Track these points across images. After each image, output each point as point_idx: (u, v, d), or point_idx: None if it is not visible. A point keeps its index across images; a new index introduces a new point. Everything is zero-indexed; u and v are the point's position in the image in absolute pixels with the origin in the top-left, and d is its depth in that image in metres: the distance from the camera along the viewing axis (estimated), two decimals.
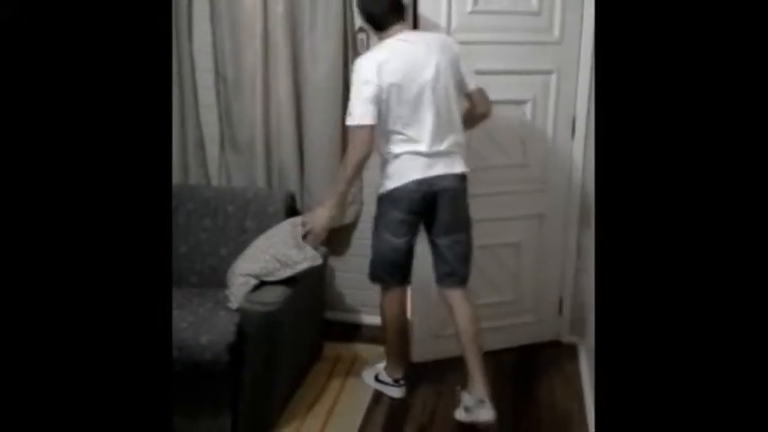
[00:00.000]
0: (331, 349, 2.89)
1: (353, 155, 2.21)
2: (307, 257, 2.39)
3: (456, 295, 2.37)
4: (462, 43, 2.37)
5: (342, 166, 2.35)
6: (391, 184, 2.26)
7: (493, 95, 2.40)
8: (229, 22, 2.82)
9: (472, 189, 2.39)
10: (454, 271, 2.36)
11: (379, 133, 2.23)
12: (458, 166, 2.29)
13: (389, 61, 2.16)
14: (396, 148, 2.24)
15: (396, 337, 2.53)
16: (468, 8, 2.51)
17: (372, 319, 3.13)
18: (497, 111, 2.45)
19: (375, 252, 2.42)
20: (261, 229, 2.56)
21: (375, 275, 2.46)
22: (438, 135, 2.23)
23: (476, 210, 2.42)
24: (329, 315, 3.08)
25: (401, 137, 2.23)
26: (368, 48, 2.82)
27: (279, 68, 2.82)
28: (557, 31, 2.57)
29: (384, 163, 2.31)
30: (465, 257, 2.37)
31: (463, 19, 2.52)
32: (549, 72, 2.61)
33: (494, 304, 2.79)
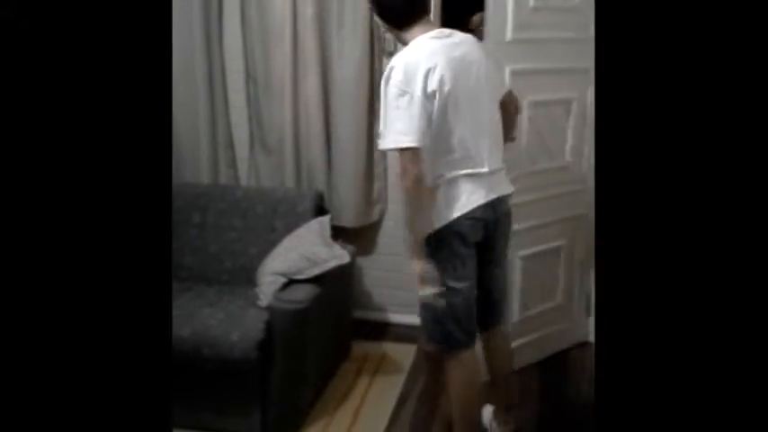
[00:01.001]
0: (359, 348, 2.90)
1: (408, 182, 1.75)
2: (335, 256, 2.41)
3: (498, 334, 2.09)
4: (517, 42, 2.33)
5: (407, 213, 1.85)
6: (451, 213, 1.82)
7: (545, 95, 2.36)
8: (259, 25, 2.86)
9: (522, 197, 2.29)
10: (501, 307, 2.07)
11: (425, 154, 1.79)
12: (509, 185, 1.96)
13: (432, 64, 1.75)
14: (450, 170, 1.82)
15: (474, 413, 2.03)
16: (531, 3, 2.38)
17: (400, 317, 3.14)
18: (545, 111, 2.42)
19: (437, 308, 1.87)
20: (290, 229, 2.58)
21: (443, 338, 1.91)
22: (494, 150, 1.89)
23: (525, 217, 2.40)
24: (357, 314, 3.10)
25: (456, 155, 1.81)
26: (395, 48, 2.84)
27: (308, 70, 2.84)
28: None
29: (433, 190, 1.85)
30: (505, 290, 2.11)
31: (523, 16, 2.37)
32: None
33: (546, 311, 2.76)
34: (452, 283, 1.85)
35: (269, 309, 2.23)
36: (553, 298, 2.78)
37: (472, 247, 1.87)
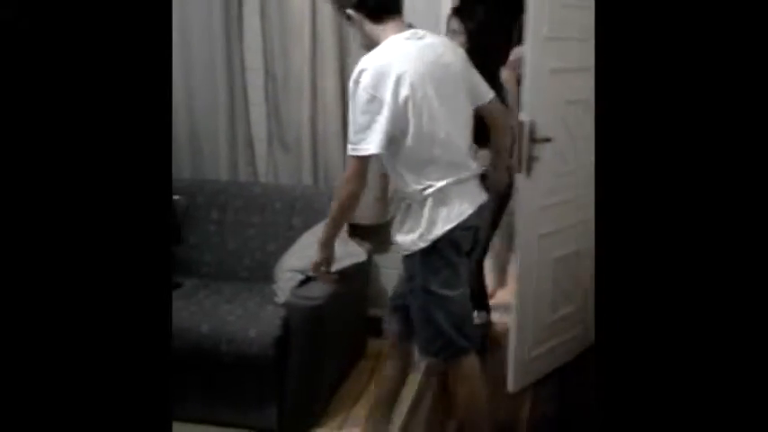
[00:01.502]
0: (375, 346, 2.90)
1: (346, 191, 1.76)
2: (351, 253, 2.42)
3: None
4: (553, 39, 2.30)
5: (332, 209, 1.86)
6: (446, 224, 1.77)
7: (577, 95, 2.34)
8: (279, 22, 2.87)
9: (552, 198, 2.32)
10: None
11: (401, 166, 1.78)
12: (483, 191, 1.92)
13: (405, 68, 1.68)
14: (438, 179, 1.76)
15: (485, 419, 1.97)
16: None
17: None
18: (575, 110, 2.40)
19: (437, 318, 1.82)
20: (307, 226, 2.60)
21: (447, 346, 1.86)
22: (471, 152, 1.87)
23: (557, 218, 2.40)
24: (373, 312, 3.10)
25: (441, 162, 1.77)
26: None
27: (326, 67, 2.85)
28: None
29: (420, 203, 1.79)
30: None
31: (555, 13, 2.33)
32: None
33: (568, 315, 2.76)
34: (448, 292, 1.81)
35: (286, 305, 2.24)
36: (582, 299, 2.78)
37: (464, 255, 1.85)
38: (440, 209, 1.77)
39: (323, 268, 1.94)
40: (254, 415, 2.25)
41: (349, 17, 1.79)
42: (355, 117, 1.70)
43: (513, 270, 2.75)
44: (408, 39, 1.75)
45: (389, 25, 1.76)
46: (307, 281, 2.31)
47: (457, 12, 2.61)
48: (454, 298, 1.82)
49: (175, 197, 2.71)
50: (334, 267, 2.32)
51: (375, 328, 3.01)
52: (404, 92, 1.67)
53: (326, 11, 2.78)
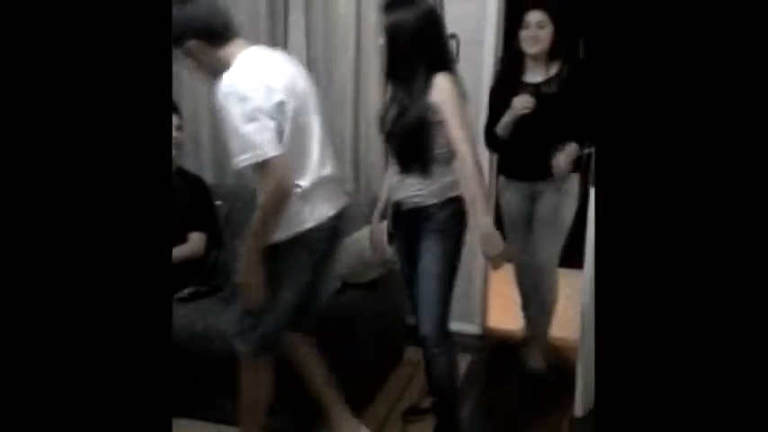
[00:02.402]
0: (412, 353, 2.89)
1: (274, 197, 1.75)
2: (389, 261, 2.42)
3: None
4: None
5: (256, 220, 1.81)
6: (303, 224, 1.84)
7: None
8: (323, 32, 2.91)
9: None
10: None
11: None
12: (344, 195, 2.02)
13: (273, 75, 1.78)
14: (303, 180, 1.83)
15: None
16: None
17: (454, 325, 3.10)
18: None
19: (276, 313, 1.89)
20: (347, 233, 2.61)
21: (272, 341, 1.96)
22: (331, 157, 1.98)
23: None
24: (411, 320, 3.09)
25: (308, 165, 1.86)
26: (458, 55, 2.83)
27: (370, 76, 2.88)
28: None
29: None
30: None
31: None
32: None
33: None
34: (287, 293, 1.87)
35: (324, 312, 2.25)
36: None
37: (317, 258, 1.90)
38: (299, 208, 1.83)
39: (253, 297, 1.83)
40: (289, 420, 2.26)
41: (188, 50, 1.79)
42: (238, 130, 1.70)
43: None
44: (262, 52, 1.87)
45: (237, 44, 1.83)
46: (344, 288, 2.33)
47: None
48: (291, 299, 1.89)
49: (217, 203, 2.76)
50: (372, 275, 2.34)
51: (412, 335, 3.01)
52: (278, 96, 1.74)
53: (371, 20, 2.81)
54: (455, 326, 3.07)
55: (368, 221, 2.65)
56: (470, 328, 3.11)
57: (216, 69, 1.79)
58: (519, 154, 2.52)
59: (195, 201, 2.63)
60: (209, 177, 3.00)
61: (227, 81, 1.72)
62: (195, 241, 2.58)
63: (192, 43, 1.78)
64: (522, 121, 2.37)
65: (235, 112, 1.69)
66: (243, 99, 1.69)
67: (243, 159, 1.71)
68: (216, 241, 2.69)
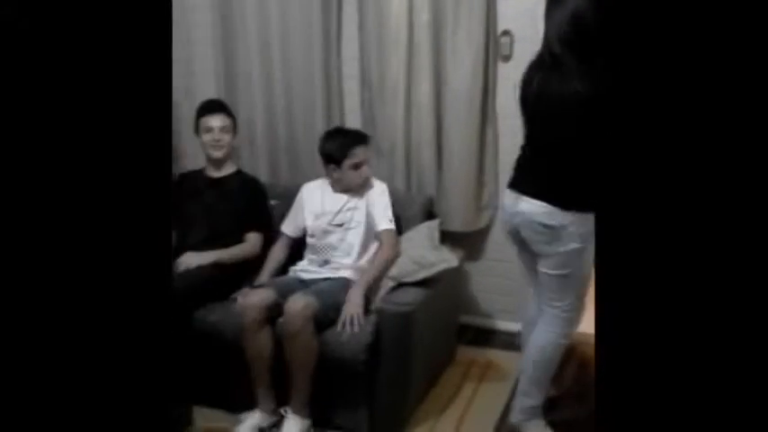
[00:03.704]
0: (465, 353, 2.89)
1: (392, 256, 2.41)
2: (443, 260, 2.42)
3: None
4: None
5: (380, 265, 2.40)
6: None
7: None
8: (376, 30, 2.92)
9: None
10: None
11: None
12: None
13: None
14: None
15: None
16: None
17: (507, 324, 3.09)
18: None
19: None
20: (400, 232, 2.62)
21: None
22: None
23: None
24: (464, 319, 3.09)
25: None
26: (511, 52, 2.80)
27: (421, 75, 2.87)
28: None
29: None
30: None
31: None
32: None
33: None
34: None
35: (378, 312, 2.28)
36: None
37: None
38: None
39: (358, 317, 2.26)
40: (346, 417, 2.30)
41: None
42: (387, 209, 2.52)
43: None
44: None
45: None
46: (398, 287, 2.34)
47: None
48: None
49: (273, 202, 2.82)
50: (425, 274, 2.35)
51: (465, 335, 3.00)
52: None
53: (423, 19, 2.80)
54: (509, 326, 3.08)
55: (419, 221, 2.67)
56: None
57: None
58: None
59: (251, 201, 2.69)
60: (264, 178, 3.07)
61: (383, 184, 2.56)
62: (252, 241, 2.64)
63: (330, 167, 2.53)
64: None
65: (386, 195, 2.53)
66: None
67: (386, 226, 2.48)
68: (272, 241, 2.75)
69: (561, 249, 2.02)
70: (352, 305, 2.25)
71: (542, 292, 2.19)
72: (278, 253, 2.62)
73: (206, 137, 2.65)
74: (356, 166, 2.48)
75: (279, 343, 2.21)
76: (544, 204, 2.00)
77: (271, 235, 2.73)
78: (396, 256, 2.41)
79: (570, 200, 1.98)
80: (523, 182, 2.10)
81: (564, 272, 2.07)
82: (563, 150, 1.99)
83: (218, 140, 2.65)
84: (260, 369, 2.25)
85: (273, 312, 2.23)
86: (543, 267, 2.11)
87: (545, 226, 2.01)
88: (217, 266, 2.50)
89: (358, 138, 2.54)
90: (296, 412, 2.21)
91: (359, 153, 2.48)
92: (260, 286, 2.40)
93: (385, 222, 2.49)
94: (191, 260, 2.48)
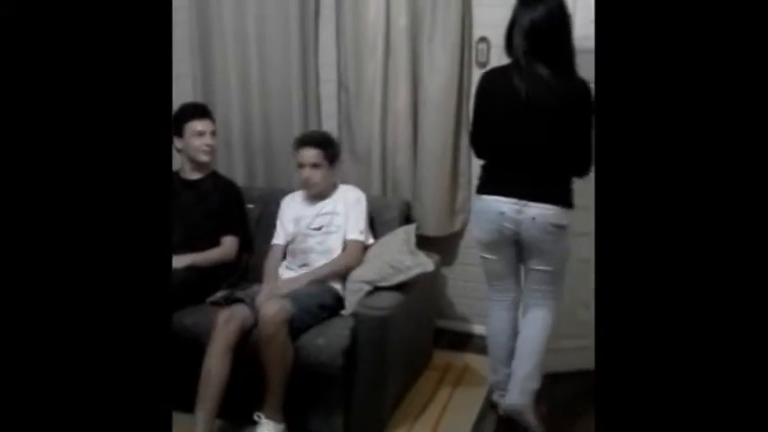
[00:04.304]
0: (441, 357, 2.90)
1: (351, 265, 2.44)
2: (419, 264, 2.42)
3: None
4: None
5: (335, 265, 2.46)
6: None
7: None
8: (353, 35, 2.93)
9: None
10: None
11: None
12: None
13: None
14: None
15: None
16: None
17: (483, 329, 3.10)
18: None
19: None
20: (376, 236, 2.62)
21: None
22: None
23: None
24: (440, 323, 3.10)
25: None
26: (488, 59, 2.82)
27: (398, 80, 2.88)
28: None
29: None
30: None
31: None
32: None
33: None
34: None
35: (354, 315, 2.27)
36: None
37: None
38: None
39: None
40: (321, 423, 2.29)
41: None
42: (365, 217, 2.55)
43: None
44: None
45: None
46: (374, 291, 2.34)
47: None
48: None
49: (249, 206, 2.80)
50: (402, 278, 2.35)
51: (442, 339, 3.01)
52: None
53: (400, 24, 2.82)
54: (480, 329, 3.09)
55: (396, 225, 2.67)
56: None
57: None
58: None
59: (227, 205, 2.67)
60: (240, 181, 3.05)
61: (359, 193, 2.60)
62: (227, 245, 2.61)
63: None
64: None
65: (364, 207, 2.56)
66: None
67: (355, 236, 2.51)
68: (247, 245, 2.73)
69: (563, 245, 2.20)
70: (279, 284, 2.38)
71: (531, 290, 2.31)
72: (274, 263, 2.57)
73: (196, 141, 2.62)
74: (300, 166, 2.53)
75: (254, 348, 2.19)
76: (554, 206, 2.11)
77: (246, 238, 2.71)
78: (354, 266, 2.43)
79: (572, 198, 2.16)
80: (526, 188, 2.12)
81: (561, 265, 2.25)
82: (560, 152, 2.11)
83: (211, 145, 2.63)
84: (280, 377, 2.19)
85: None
86: (541, 265, 2.23)
87: (557, 226, 2.13)
88: (192, 269, 2.47)
89: (305, 140, 2.57)
90: (269, 417, 2.19)
91: (304, 154, 2.51)
92: (234, 298, 2.35)
93: (355, 232, 2.51)
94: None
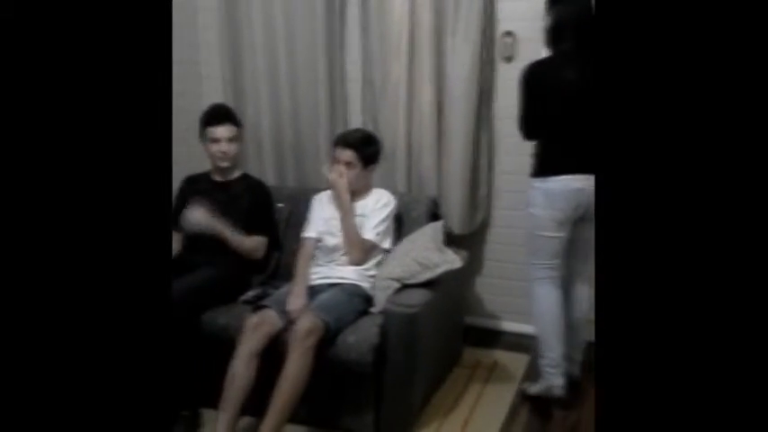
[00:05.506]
0: (470, 354, 2.89)
1: (355, 261, 2.49)
2: (446, 261, 2.42)
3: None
4: None
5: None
6: None
7: None
8: (379, 33, 2.93)
9: None
10: None
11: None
12: None
13: None
14: None
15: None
16: None
17: (512, 325, 3.10)
18: None
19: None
20: (403, 234, 2.63)
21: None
22: None
23: None
24: (469, 320, 3.10)
25: None
26: (514, 53, 2.80)
27: (423, 77, 2.88)
28: None
29: None
30: None
31: None
32: None
33: None
34: None
35: (384, 313, 2.28)
36: None
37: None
38: None
39: None
40: (351, 419, 2.31)
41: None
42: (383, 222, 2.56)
43: None
44: None
45: None
46: (403, 288, 2.35)
47: None
48: None
49: (279, 205, 2.83)
50: (430, 275, 2.35)
51: (471, 336, 3.01)
52: None
53: (425, 20, 2.81)
54: (514, 326, 3.08)
55: (424, 222, 2.68)
56: (529, 329, 3.08)
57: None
58: None
59: (257, 204, 2.70)
60: (270, 180, 3.08)
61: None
62: (256, 243, 2.65)
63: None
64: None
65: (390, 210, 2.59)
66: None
67: (368, 236, 2.51)
68: (276, 244, 2.76)
69: None
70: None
71: (584, 266, 2.50)
72: (306, 257, 2.57)
73: (212, 147, 2.66)
74: (334, 161, 2.56)
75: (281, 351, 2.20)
76: None
77: (275, 238, 2.74)
78: (355, 263, 2.48)
79: None
80: (590, 164, 2.24)
81: None
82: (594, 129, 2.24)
83: (225, 152, 2.66)
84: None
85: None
86: (591, 233, 2.34)
87: None
88: (224, 268, 2.52)
89: (340, 139, 2.60)
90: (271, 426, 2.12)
91: (337, 153, 2.55)
92: (260, 304, 2.36)
93: (370, 233, 2.51)
94: (198, 215, 2.52)
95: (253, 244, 2.63)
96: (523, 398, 2.53)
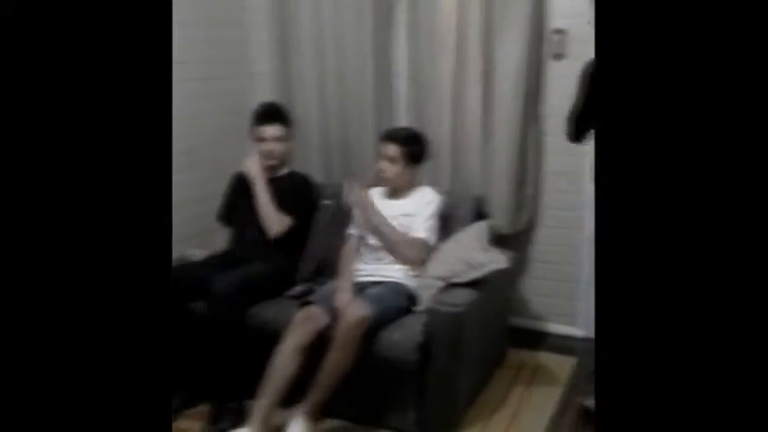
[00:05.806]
0: (515, 356, 2.86)
1: (410, 261, 2.49)
2: (492, 260, 2.40)
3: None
4: None
5: (398, 243, 2.50)
6: None
7: None
8: (427, 31, 2.92)
9: None
10: None
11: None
12: None
13: None
14: None
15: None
16: None
17: (558, 327, 3.05)
18: None
19: None
20: (448, 232, 2.62)
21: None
22: None
23: None
24: (514, 321, 3.06)
25: None
26: (564, 51, 2.75)
27: (471, 74, 2.85)
28: None
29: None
30: None
31: None
32: None
33: None
34: None
35: (428, 312, 2.28)
36: None
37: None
38: None
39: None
40: (395, 417, 2.31)
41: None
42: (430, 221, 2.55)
43: None
44: None
45: None
46: (448, 287, 2.34)
47: None
48: None
49: (326, 202, 2.85)
50: (475, 275, 2.34)
51: (515, 337, 2.97)
52: None
53: (473, 20, 2.79)
54: (560, 329, 3.03)
55: (469, 221, 2.66)
56: (575, 331, 3.03)
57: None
58: None
59: (294, 193, 2.73)
60: (317, 178, 3.10)
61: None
62: (280, 219, 2.64)
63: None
64: None
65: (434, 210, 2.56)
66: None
67: (420, 234, 2.51)
68: (303, 233, 2.73)
69: None
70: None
71: None
72: (350, 254, 2.60)
73: (260, 146, 2.70)
74: (379, 156, 2.58)
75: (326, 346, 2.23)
76: None
77: (303, 228, 2.73)
78: (410, 263, 2.48)
79: None
80: None
81: None
82: None
83: (271, 151, 2.70)
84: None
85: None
86: None
87: None
88: (271, 264, 2.55)
89: (386, 134, 2.62)
90: (307, 413, 2.19)
91: (382, 147, 2.56)
92: (307, 300, 2.41)
93: (422, 231, 2.51)
94: (250, 163, 2.70)
95: (275, 217, 2.63)
96: (585, 413, 2.39)
